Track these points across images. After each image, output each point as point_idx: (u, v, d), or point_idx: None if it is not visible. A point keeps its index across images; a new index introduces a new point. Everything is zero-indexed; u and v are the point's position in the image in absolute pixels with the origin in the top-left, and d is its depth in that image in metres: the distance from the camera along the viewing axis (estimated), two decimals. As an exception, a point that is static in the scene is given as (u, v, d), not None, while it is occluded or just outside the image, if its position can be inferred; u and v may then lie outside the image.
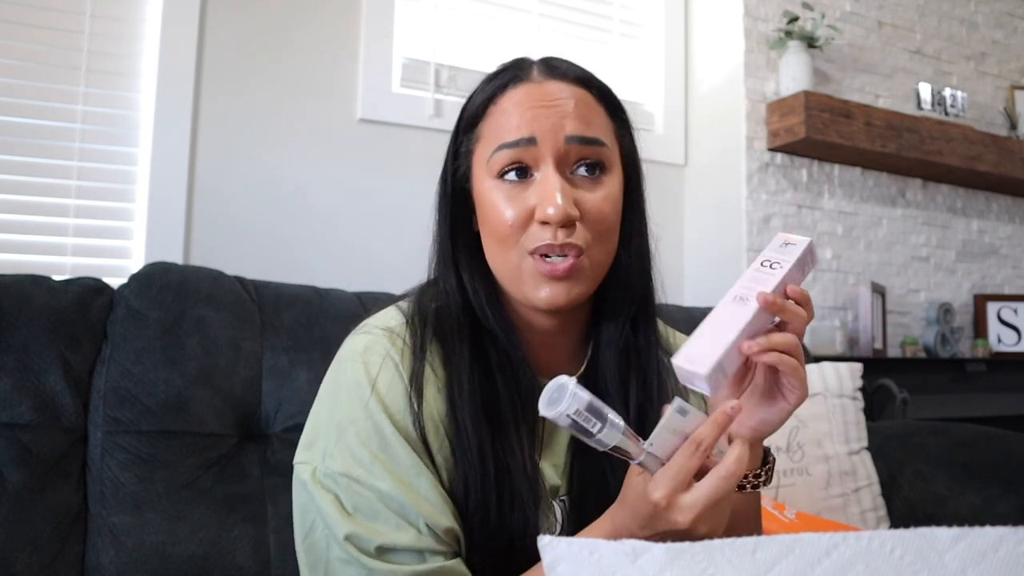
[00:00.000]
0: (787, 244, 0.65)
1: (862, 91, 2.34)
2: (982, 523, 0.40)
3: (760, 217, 2.11)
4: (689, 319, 1.67)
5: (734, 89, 2.15)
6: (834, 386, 1.56)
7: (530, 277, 0.68)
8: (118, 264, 1.56)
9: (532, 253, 0.67)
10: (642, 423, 0.72)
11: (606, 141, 0.70)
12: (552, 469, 0.74)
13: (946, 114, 2.38)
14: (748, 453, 0.57)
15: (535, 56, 0.74)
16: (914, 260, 2.43)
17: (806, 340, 2.07)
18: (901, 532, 0.41)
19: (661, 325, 0.84)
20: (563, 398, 0.56)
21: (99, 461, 1.02)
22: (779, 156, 2.16)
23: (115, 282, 1.17)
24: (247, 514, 1.06)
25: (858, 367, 1.63)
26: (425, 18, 1.92)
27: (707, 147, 2.22)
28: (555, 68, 0.71)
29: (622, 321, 0.75)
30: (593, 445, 0.58)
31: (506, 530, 0.66)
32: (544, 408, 0.56)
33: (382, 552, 0.63)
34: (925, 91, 2.37)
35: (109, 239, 1.56)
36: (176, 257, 1.56)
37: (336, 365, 0.71)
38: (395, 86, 1.84)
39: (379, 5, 1.83)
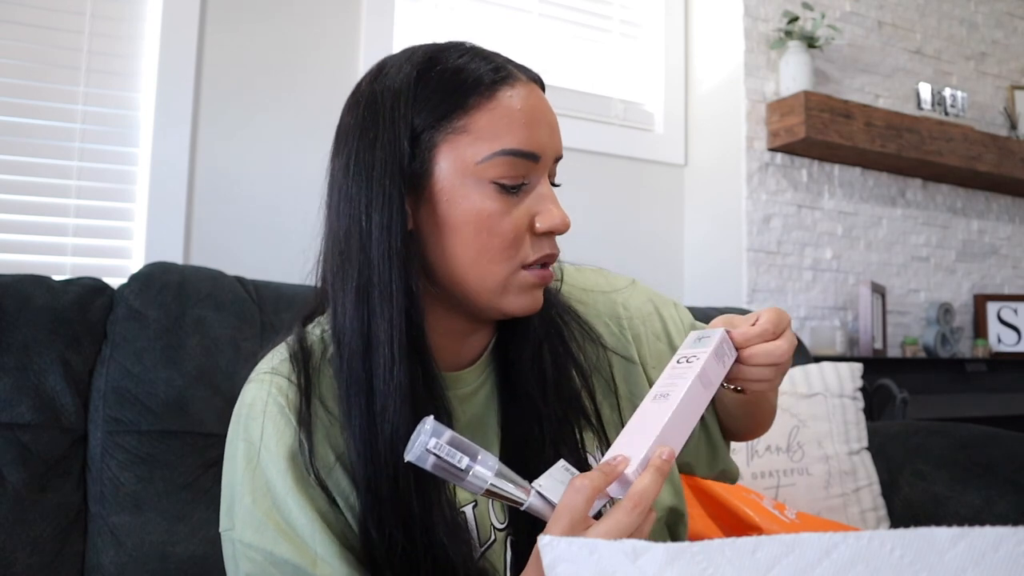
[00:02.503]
0: (701, 339, 0.65)
1: (862, 91, 2.34)
2: (982, 523, 0.40)
3: (760, 217, 2.11)
4: (689, 319, 1.68)
5: (734, 89, 2.15)
6: (834, 386, 1.56)
7: (519, 287, 0.65)
8: (118, 264, 1.56)
9: (530, 264, 0.65)
10: (561, 398, 0.71)
11: None
12: None
13: (946, 114, 2.38)
14: (658, 481, 0.54)
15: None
16: (914, 260, 2.43)
17: (806, 340, 2.07)
18: (901, 532, 0.41)
19: (571, 271, 0.82)
20: (421, 433, 0.53)
21: (99, 461, 1.02)
22: (779, 156, 2.16)
23: (115, 282, 1.17)
24: (247, 514, 1.06)
25: (858, 367, 1.63)
26: (425, 18, 1.92)
27: (707, 147, 2.22)
28: (533, 74, 0.68)
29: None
30: (468, 489, 0.54)
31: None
32: (407, 454, 0.53)
33: None
34: (925, 91, 2.37)
35: (109, 239, 1.56)
36: (176, 257, 1.56)
37: (231, 423, 0.67)
38: (395, 86, 1.84)
39: (379, 5, 1.83)
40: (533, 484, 0.56)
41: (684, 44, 2.28)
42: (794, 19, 2.11)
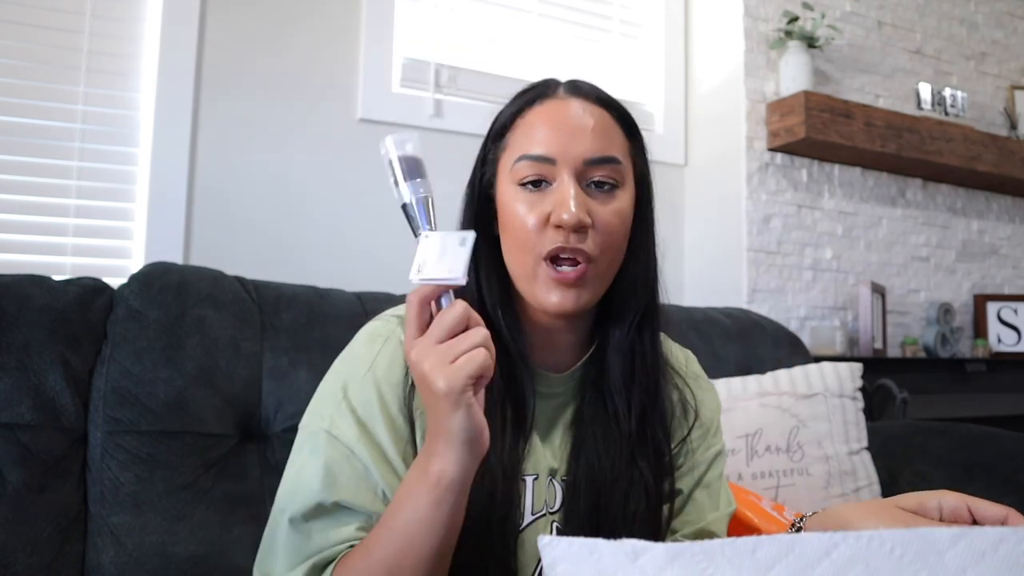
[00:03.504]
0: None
1: (862, 91, 2.34)
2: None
3: (760, 217, 2.11)
4: (689, 319, 1.67)
5: (734, 89, 2.15)
6: (834, 386, 1.56)
7: (542, 282, 0.73)
8: (118, 264, 1.56)
9: (545, 258, 0.72)
10: (643, 423, 0.77)
11: (621, 159, 0.75)
12: (550, 451, 0.78)
13: (946, 114, 2.38)
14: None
15: (563, 78, 0.81)
16: (914, 260, 2.43)
17: (806, 340, 2.07)
18: (901, 532, 0.41)
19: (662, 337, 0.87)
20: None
21: (99, 461, 1.02)
22: (779, 156, 2.16)
23: (115, 282, 1.17)
24: (247, 514, 1.06)
25: (858, 367, 1.63)
26: (425, 18, 1.92)
27: (707, 147, 2.22)
28: (579, 88, 0.77)
29: (628, 325, 0.78)
30: (398, 194, 0.66)
31: (473, 504, 0.67)
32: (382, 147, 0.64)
33: (338, 507, 0.68)
34: (925, 91, 2.37)
35: (109, 239, 1.56)
36: (176, 257, 1.56)
37: (348, 346, 0.78)
38: (395, 86, 1.84)
39: (379, 5, 1.83)
40: (424, 230, 0.64)
41: (684, 44, 2.28)
42: (794, 19, 2.11)
